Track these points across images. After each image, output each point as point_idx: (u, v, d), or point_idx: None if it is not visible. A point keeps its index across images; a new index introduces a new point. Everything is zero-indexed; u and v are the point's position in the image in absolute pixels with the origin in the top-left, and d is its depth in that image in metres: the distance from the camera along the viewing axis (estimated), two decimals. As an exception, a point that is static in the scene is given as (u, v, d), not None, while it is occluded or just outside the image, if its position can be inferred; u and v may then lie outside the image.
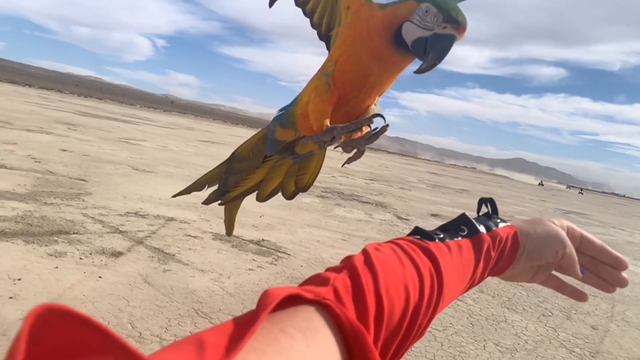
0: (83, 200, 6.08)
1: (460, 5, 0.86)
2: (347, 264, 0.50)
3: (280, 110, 1.02)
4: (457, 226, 0.64)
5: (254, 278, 4.39)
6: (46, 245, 4.17)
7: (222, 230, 5.86)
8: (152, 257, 4.42)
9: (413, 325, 0.51)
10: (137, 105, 70.60)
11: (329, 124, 0.88)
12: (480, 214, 0.71)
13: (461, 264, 0.60)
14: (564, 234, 0.67)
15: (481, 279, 0.64)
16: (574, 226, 0.70)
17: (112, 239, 4.71)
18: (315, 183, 1.15)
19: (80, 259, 4.02)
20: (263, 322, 0.36)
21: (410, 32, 0.79)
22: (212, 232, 5.69)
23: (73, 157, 9.45)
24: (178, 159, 12.83)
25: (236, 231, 5.94)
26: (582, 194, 73.75)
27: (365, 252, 0.53)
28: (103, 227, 5.08)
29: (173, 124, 35.74)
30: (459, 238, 0.62)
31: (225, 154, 1.18)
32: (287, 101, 1.04)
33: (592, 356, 4.13)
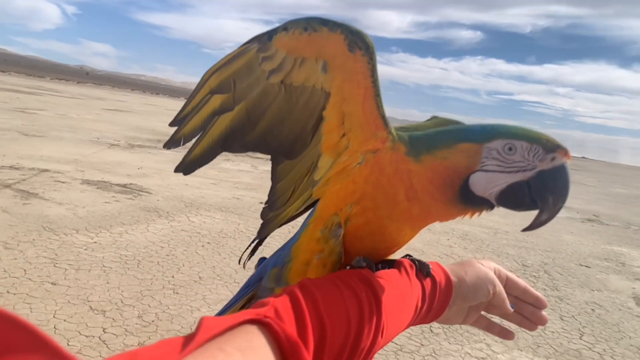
0: (-42, 158, 6.61)
1: None
2: (286, 290, 0.54)
3: (270, 261, 0.78)
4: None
5: (107, 207, 5.30)
6: None
7: (92, 177, 6.68)
8: (16, 195, 5.19)
9: (356, 347, 0.53)
10: (47, 78, 66.30)
11: None
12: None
13: (399, 290, 0.62)
14: (492, 273, 0.71)
15: (426, 314, 0.67)
16: (500, 268, 0.74)
17: (-20, 185, 5.40)
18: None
19: (-55, 197, 4.73)
20: (204, 340, 0.39)
21: (491, 183, 0.61)
22: (82, 179, 6.47)
23: (-44, 125, 9.63)
24: (74, 125, 13.11)
25: (107, 178, 6.82)
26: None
27: (302, 282, 0.57)
28: (-26, 177, 5.72)
29: (83, 94, 34.51)
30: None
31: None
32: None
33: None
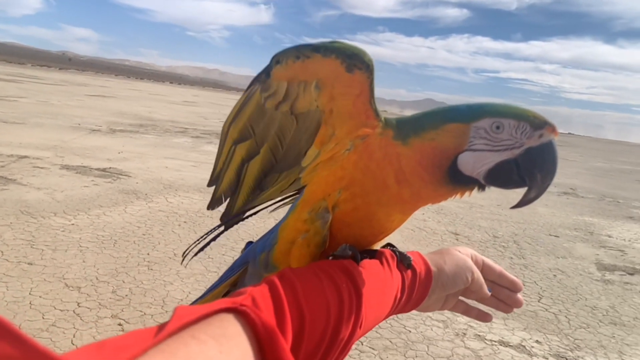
0: (-64, 146, 6.62)
1: None
2: (265, 280, 0.54)
3: (258, 245, 0.79)
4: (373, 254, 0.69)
5: (85, 191, 5.39)
6: None
7: (72, 162, 6.74)
8: (-6, 182, 5.26)
9: (336, 337, 0.53)
10: (27, 64, 65.13)
11: None
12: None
13: (380, 282, 0.63)
14: (470, 261, 0.73)
15: (405, 304, 0.68)
16: (477, 253, 0.76)
17: (-42, 172, 5.45)
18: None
19: None
20: (176, 329, 0.39)
21: (479, 162, 0.61)
22: (61, 164, 6.53)
23: None
24: (55, 111, 13.03)
25: (87, 163, 6.88)
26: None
27: (282, 272, 0.57)
28: (-49, 164, 5.76)
29: (65, 81, 34.06)
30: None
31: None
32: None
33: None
